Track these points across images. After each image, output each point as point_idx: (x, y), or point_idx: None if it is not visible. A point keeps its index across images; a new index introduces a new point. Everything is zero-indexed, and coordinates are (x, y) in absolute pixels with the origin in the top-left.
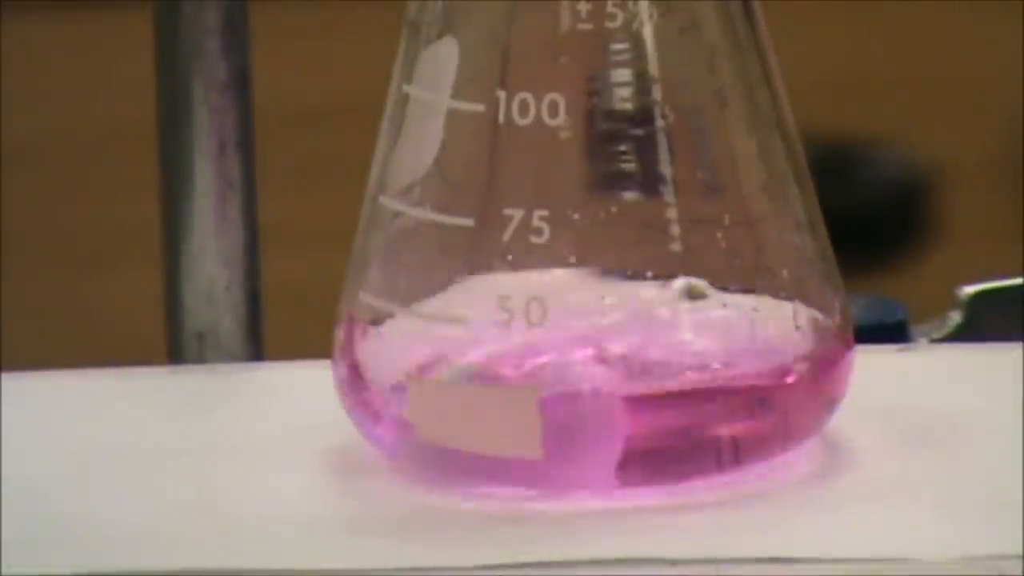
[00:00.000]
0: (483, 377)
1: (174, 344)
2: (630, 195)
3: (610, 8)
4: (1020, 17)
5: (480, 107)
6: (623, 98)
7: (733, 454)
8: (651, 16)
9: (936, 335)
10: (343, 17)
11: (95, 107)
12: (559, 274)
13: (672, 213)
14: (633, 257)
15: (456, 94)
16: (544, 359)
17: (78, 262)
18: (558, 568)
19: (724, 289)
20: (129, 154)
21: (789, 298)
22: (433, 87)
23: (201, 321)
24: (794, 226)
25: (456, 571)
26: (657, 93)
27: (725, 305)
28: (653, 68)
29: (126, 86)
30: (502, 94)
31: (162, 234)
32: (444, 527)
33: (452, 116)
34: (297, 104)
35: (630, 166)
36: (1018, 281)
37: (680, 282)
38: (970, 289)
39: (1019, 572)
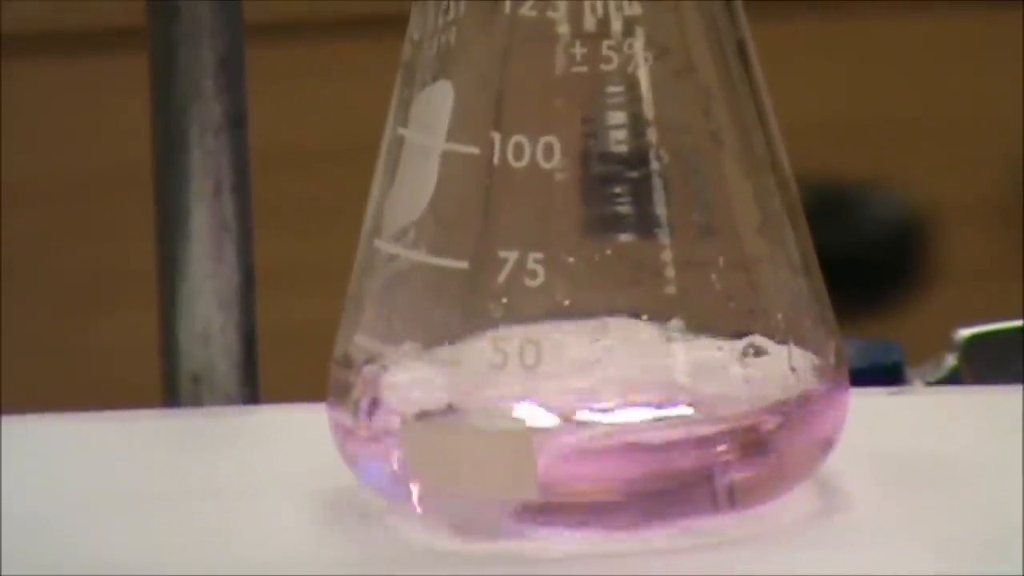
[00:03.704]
0: (478, 420)
1: (169, 386)
2: (625, 237)
3: (605, 51)
4: (1018, 57)
5: (475, 149)
6: (618, 140)
7: (728, 496)
8: (646, 59)
9: (932, 378)
10: (338, 60)
11: (91, 149)
12: (554, 316)
13: (667, 255)
14: (628, 299)
15: (451, 136)
16: (539, 401)
17: (73, 303)
18: None
19: (719, 331)
20: (125, 196)
21: (784, 340)
22: (428, 130)
23: (196, 363)
24: (789, 268)
25: None
26: (652, 135)
27: (720, 348)
28: (648, 111)
29: (122, 128)
30: (497, 136)
31: (157, 276)
32: (441, 570)
33: (447, 158)
34: (292, 146)
35: (625, 208)
36: (1014, 324)
37: (675, 323)
38: (966, 332)
39: None
